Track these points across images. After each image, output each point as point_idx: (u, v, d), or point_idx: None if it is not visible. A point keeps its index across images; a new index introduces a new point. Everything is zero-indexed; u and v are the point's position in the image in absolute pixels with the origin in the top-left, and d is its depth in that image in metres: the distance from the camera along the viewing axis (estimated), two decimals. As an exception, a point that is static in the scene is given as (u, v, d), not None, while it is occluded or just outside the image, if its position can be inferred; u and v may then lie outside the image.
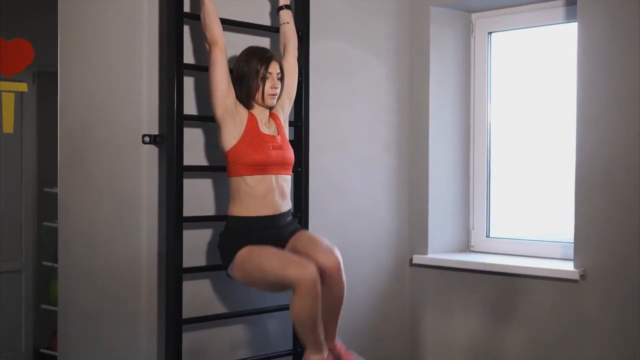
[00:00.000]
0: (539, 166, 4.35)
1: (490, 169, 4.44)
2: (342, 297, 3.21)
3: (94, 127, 3.50)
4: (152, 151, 3.32)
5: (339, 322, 3.23)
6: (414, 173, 4.35)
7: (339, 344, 3.24)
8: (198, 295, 3.44)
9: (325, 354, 3.11)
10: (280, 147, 3.27)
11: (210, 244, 3.49)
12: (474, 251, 4.44)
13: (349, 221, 4.10)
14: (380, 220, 4.25)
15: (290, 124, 3.58)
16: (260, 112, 3.29)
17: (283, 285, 3.07)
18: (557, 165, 4.21)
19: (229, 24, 3.42)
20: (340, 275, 3.18)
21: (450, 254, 4.32)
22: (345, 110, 4.09)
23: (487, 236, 4.43)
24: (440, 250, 4.33)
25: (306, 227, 3.62)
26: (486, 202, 4.43)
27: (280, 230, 3.27)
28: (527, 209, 4.40)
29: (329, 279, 3.13)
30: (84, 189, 3.53)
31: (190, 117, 3.36)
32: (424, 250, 4.30)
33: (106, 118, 3.46)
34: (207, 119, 3.38)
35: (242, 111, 3.25)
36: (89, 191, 3.51)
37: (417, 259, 4.30)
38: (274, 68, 3.26)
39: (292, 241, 3.28)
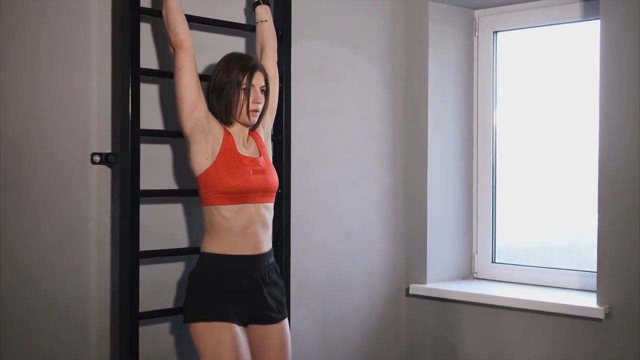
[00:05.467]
0: (553, 181, 4.19)
1: (496, 185, 4.30)
2: None
3: (33, 142, 3.08)
4: (103, 172, 3.06)
5: None
6: (411, 190, 4.19)
7: None
8: (157, 344, 3.16)
9: None
10: (263, 172, 2.91)
11: (172, 281, 3.22)
12: (478, 278, 4.29)
13: (338, 246, 3.93)
14: (373, 245, 4.09)
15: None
16: (238, 130, 2.94)
17: None
18: (574, 180, 4.07)
19: (196, 22, 3.17)
20: None
21: (451, 283, 4.18)
22: (332, 120, 3.91)
23: (493, 261, 4.27)
24: (440, 278, 4.18)
25: (287, 255, 3.38)
26: (492, 222, 4.28)
27: (260, 277, 2.87)
28: (539, 230, 4.27)
29: None
30: (19, 216, 3.08)
31: (149, 133, 3.10)
32: (422, 278, 4.14)
33: (48, 132, 3.07)
34: (172, 135, 3.14)
35: (216, 127, 2.88)
36: (25, 219, 3.07)
37: (414, 288, 4.13)
38: (257, 80, 2.91)
39: (264, 337, 2.91)
